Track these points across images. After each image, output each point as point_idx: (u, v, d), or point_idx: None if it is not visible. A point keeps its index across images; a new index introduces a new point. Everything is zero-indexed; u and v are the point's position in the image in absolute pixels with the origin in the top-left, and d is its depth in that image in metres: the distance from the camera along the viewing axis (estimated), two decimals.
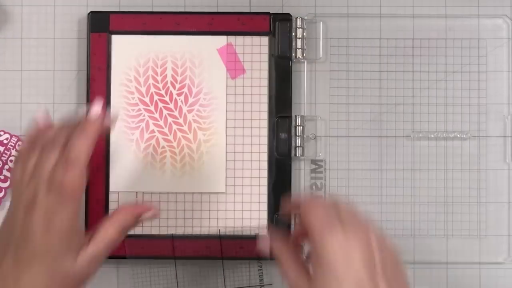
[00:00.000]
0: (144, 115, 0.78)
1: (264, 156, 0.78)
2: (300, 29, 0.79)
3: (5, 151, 0.79)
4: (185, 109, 0.79)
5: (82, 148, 0.67)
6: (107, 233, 0.69)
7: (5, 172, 0.79)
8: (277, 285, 0.79)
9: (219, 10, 0.80)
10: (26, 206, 0.67)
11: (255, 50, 0.79)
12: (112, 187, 0.78)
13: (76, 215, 0.67)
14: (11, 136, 0.79)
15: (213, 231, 0.78)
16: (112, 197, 0.78)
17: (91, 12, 0.79)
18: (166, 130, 0.78)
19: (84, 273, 0.68)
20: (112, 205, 0.78)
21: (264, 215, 0.78)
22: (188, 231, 0.78)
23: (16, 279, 0.66)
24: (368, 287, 0.62)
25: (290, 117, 0.78)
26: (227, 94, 0.79)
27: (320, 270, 0.63)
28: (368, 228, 0.64)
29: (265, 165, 0.78)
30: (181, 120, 0.78)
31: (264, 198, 0.78)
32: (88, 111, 0.69)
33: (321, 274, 0.63)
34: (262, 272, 0.79)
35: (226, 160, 0.78)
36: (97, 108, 0.69)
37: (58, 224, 0.66)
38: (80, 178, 0.67)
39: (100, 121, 0.69)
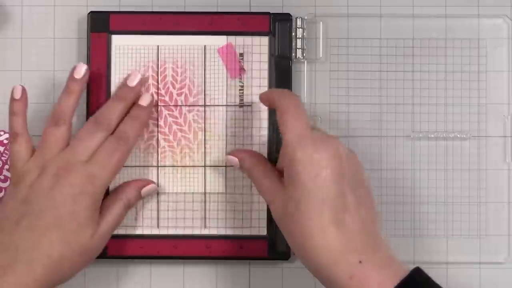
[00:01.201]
0: None
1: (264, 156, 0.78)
2: (300, 29, 0.79)
3: (5, 151, 0.79)
4: (185, 109, 0.79)
5: (133, 132, 0.74)
6: (114, 211, 0.74)
7: (5, 172, 0.79)
8: None
9: (219, 10, 0.80)
10: (56, 175, 0.71)
11: (255, 50, 0.79)
12: (112, 187, 0.78)
13: (105, 188, 0.73)
14: None
15: (213, 231, 0.78)
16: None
17: (91, 12, 0.79)
18: (166, 130, 0.78)
19: (96, 249, 0.73)
20: None
21: (264, 215, 0.78)
22: (188, 231, 0.78)
23: (32, 245, 0.69)
24: (337, 202, 0.67)
25: None
26: (227, 94, 0.79)
27: (291, 182, 0.68)
28: (338, 144, 0.69)
29: None
30: (181, 120, 0.78)
31: None
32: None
33: (292, 187, 0.68)
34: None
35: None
36: (146, 96, 0.76)
37: (87, 196, 0.71)
38: (126, 155, 0.74)
39: (150, 107, 0.76)
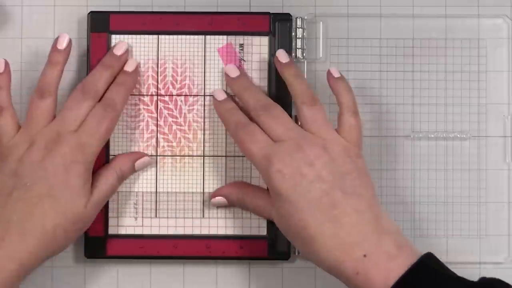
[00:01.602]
0: (144, 115, 0.78)
1: None
2: (300, 29, 0.79)
3: None
4: (185, 109, 0.79)
5: (119, 97, 0.74)
6: (108, 181, 0.74)
7: None
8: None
9: (219, 10, 0.80)
10: (46, 147, 0.71)
11: (255, 50, 0.79)
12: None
13: (95, 157, 0.72)
14: None
15: (213, 231, 0.78)
16: (112, 197, 0.78)
17: (91, 12, 0.79)
18: (166, 130, 0.78)
19: (89, 217, 0.73)
20: (112, 205, 0.78)
21: None
22: (188, 231, 0.78)
23: (24, 217, 0.69)
24: (323, 202, 0.68)
25: (290, 116, 0.78)
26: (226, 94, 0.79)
27: (276, 198, 0.70)
28: (305, 147, 0.70)
29: None
30: (181, 120, 0.78)
31: None
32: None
33: (279, 202, 0.70)
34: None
35: (226, 160, 0.78)
36: (132, 62, 0.76)
37: (79, 165, 0.71)
38: (114, 121, 0.73)
39: (136, 73, 0.76)
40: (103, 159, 0.77)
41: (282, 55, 0.76)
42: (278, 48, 0.78)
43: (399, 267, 0.66)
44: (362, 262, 0.66)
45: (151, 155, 0.78)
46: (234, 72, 0.77)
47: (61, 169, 0.70)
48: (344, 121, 0.73)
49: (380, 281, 0.66)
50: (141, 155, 0.77)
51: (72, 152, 0.71)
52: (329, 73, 0.75)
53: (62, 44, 0.74)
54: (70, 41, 0.75)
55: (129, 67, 0.76)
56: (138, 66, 0.77)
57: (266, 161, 0.70)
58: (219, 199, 0.77)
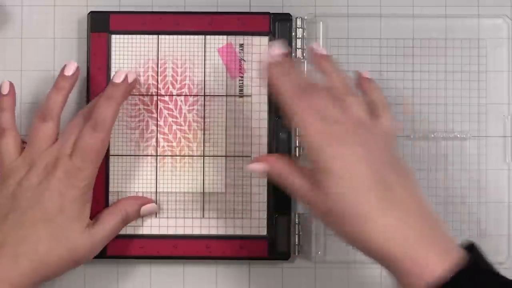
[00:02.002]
0: (144, 115, 0.79)
1: None
2: (300, 29, 0.79)
3: None
4: (185, 109, 0.79)
5: (108, 113, 0.72)
6: (112, 221, 0.74)
7: None
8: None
9: (219, 10, 0.80)
10: (44, 170, 0.71)
11: (255, 50, 0.79)
12: (112, 187, 0.78)
13: (93, 180, 0.72)
14: None
15: (213, 231, 0.78)
16: (112, 197, 0.78)
17: (91, 12, 0.79)
18: (166, 130, 0.78)
19: (84, 248, 0.72)
20: None
21: (264, 215, 0.78)
22: (188, 231, 0.78)
23: (18, 240, 0.69)
24: (378, 182, 0.66)
25: None
26: (227, 94, 0.79)
27: (326, 177, 0.66)
28: (354, 129, 0.68)
29: None
30: (181, 120, 0.79)
31: (264, 198, 0.78)
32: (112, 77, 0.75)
33: (329, 182, 0.66)
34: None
35: (226, 160, 0.78)
36: (120, 73, 0.74)
37: (74, 190, 0.71)
38: (104, 142, 0.72)
39: (124, 85, 0.74)
40: (103, 160, 0.77)
41: (318, 47, 0.73)
42: None
43: (450, 263, 0.63)
44: (413, 246, 0.64)
45: (151, 155, 0.78)
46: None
47: (56, 194, 0.71)
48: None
49: (431, 269, 0.63)
50: (148, 200, 0.77)
51: (67, 177, 0.71)
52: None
53: (69, 71, 0.74)
54: (77, 69, 0.75)
55: (116, 79, 0.74)
56: (126, 77, 0.74)
57: (318, 138, 0.67)
58: (263, 166, 0.72)
